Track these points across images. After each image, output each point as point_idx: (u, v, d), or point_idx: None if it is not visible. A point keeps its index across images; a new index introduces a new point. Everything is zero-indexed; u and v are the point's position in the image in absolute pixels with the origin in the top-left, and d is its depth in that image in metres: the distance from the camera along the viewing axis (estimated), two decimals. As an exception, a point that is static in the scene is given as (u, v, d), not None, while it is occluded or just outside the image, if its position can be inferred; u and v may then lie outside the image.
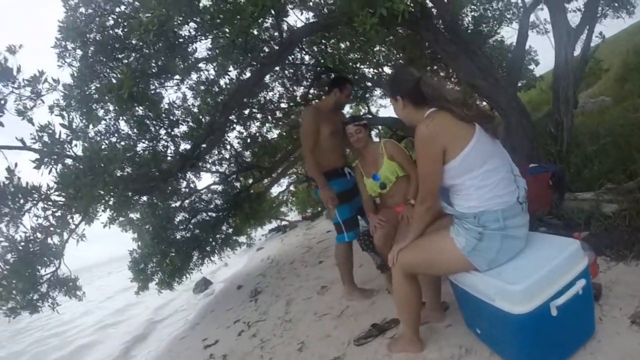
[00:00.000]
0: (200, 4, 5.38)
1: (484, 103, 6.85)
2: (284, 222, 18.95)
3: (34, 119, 5.03)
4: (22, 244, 5.26)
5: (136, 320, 11.13)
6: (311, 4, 6.95)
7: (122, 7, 5.74)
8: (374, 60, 9.10)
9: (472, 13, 8.43)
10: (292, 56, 8.11)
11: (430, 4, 5.38)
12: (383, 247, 3.62)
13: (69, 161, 5.08)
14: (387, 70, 9.20)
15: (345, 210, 4.26)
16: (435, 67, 8.83)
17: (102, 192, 5.29)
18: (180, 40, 5.56)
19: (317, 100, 8.23)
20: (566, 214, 4.05)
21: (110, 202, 5.76)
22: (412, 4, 4.29)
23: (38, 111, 5.13)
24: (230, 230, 9.30)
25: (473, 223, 2.23)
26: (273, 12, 5.47)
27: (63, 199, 5.16)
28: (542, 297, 2.04)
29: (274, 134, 9.73)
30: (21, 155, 4.99)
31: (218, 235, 8.88)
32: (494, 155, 2.26)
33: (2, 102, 4.69)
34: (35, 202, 5.20)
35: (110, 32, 5.66)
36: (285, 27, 6.62)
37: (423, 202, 2.42)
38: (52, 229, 5.45)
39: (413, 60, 8.00)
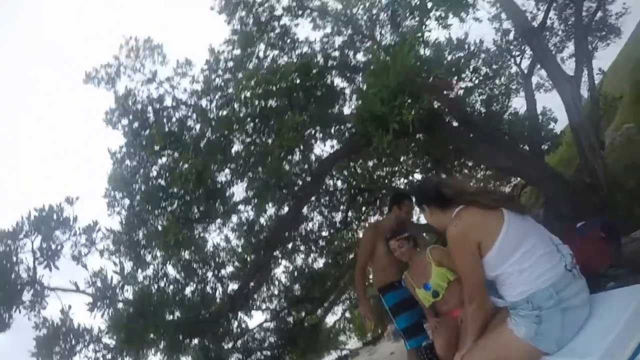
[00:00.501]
0: (233, 150, 5.87)
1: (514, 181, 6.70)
2: (344, 352, 17.63)
3: (87, 264, 5.37)
4: None
5: None
6: (333, 131, 7.32)
7: (164, 159, 6.28)
8: (403, 170, 9.27)
9: (480, 97, 8.35)
10: (325, 184, 8.39)
11: (437, 104, 5.62)
12: (446, 358, 3.37)
13: (120, 305, 5.21)
14: (418, 176, 9.33)
15: (405, 319, 4.18)
16: (462, 161, 8.82)
17: (153, 337, 5.33)
18: (218, 186, 5.97)
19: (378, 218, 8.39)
20: (629, 260, 3.74)
21: (161, 346, 5.74)
22: (419, 112, 4.51)
23: (91, 256, 5.52)
24: None
25: (527, 308, 2.10)
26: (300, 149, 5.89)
27: (114, 342, 5.22)
28: (622, 358, 1.82)
29: (320, 263, 9.62)
30: (75, 297, 5.24)
31: None
32: (529, 233, 2.20)
33: (59, 247, 5.07)
34: (86, 343, 5.30)
35: (154, 182, 6.18)
36: (313, 158, 7.00)
37: (471, 301, 2.33)
38: None
39: (439, 161, 8.12)
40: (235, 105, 5.71)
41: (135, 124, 6.59)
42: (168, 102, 7.14)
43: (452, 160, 8.43)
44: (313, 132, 6.46)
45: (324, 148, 7.37)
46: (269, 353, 8.37)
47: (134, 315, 5.08)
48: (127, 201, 6.22)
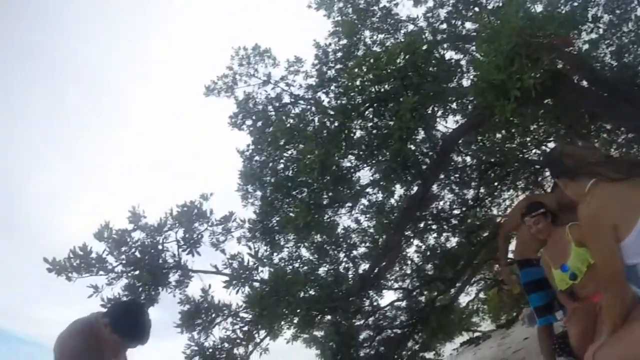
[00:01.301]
0: (354, 137, 6.00)
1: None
2: (476, 334, 17.02)
3: (225, 249, 6.00)
4: (210, 350, 5.88)
5: None
6: (454, 106, 7.11)
7: (289, 152, 6.73)
8: (535, 140, 8.59)
9: (608, 49, 7.32)
10: (453, 161, 8.14)
11: (560, 65, 5.09)
12: (580, 349, 3.07)
13: (255, 284, 5.71)
14: (552, 145, 8.54)
15: (538, 298, 4.16)
16: (598, 125, 7.85)
17: (286, 312, 5.75)
18: (344, 171, 6.16)
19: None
20: None
21: (294, 321, 6.15)
22: (540, 75, 4.16)
23: (228, 243, 6.22)
24: (417, 347, 8.68)
25: None
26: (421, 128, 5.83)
27: (250, 316, 5.76)
28: None
29: (453, 242, 9.42)
30: (214, 278, 5.88)
31: (404, 352, 8.42)
32: None
33: (199, 236, 5.72)
34: (225, 317, 5.93)
35: (282, 173, 6.67)
36: (437, 136, 6.83)
37: (607, 289, 2.09)
38: (238, 341, 6.03)
39: (572, 127, 7.34)
40: (351, 94, 5.82)
41: (259, 124, 7.21)
42: (286, 99, 7.70)
43: (587, 125, 7.58)
44: (432, 109, 6.33)
45: (446, 124, 7.18)
46: (399, 331, 8.42)
47: (269, 293, 5.52)
48: (259, 193, 6.83)
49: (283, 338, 6.73)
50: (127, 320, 2.51)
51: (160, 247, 5.56)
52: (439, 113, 6.95)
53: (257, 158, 6.96)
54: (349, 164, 6.43)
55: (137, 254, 5.40)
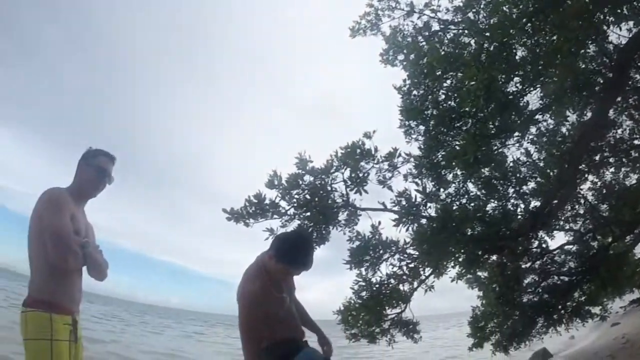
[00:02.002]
0: (517, 57, 5.44)
1: None
2: None
3: (392, 186, 5.93)
4: (377, 286, 6.06)
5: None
6: (627, 11, 5.86)
7: (448, 82, 6.29)
8: None
9: None
10: (631, 80, 7.01)
11: None
12: None
13: (423, 221, 5.66)
14: None
15: None
16: None
17: (452, 249, 5.63)
18: (509, 97, 5.67)
19: None
20: None
21: (460, 259, 6.02)
22: None
23: (395, 180, 6.12)
24: (583, 299, 8.01)
25: None
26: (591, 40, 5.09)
27: (417, 253, 5.76)
28: None
29: (633, 179, 8.28)
30: (382, 215, 5.90)
31: (569, 303, 7.86)
32: None
33: (366, 175, 5.71)
34: (392, 253, 5.97)
35: (444, 105, 6.25)
36: (610, 48, 5.93)
37: None
38: (404, 277, 6.12)
39: None
40: (504, 8, 5.25)
41: (411, 56, 6.78)
42: (435, 26, 7.14)
43: None
44: (602, 16, 5.45)
45: (620, 33, 6.10)
46: (566, 279, 7.83)
47: (437, 230, 5.41)
48: (422, 127, 6.53)
49: (447, 276, 6.65)
50: (288, 249, 2.61)
51: (328, 188, 5.68)
52: (611, 20, 6.00)
53: (415, 92, 6.60)
54: (514, 89, 5.89)
55: (307, 196, 5.59)
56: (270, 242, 2.85)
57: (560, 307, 7.73)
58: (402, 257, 6.02)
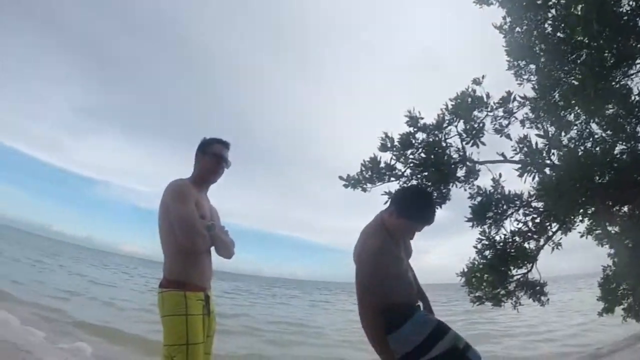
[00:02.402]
0: None
1: None
2: None
3: (510, 134, 5.68)
4: (501, 244, 5.77)
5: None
6: None
7: (552, 11, 5.64)
8: None
9: None
10: None
11: None
12: None
13: (547, 170, 5.35)
14: None
15: None
16: None
17: (581, 201, 5.25)
18: (624, 18, 5.14)
19: None
20: None
21: (589, 212, 5.61)
22: None
23: (512, 127, 5.87)
24: None
25: None
26: None
27: (542, 206, 5.44)
28: None
29: None
30: (503, 167, 5.69)
31: None
32: None
33: (481, 125, 5.51)
34: (516, 208, 5.68)
35: (553, 38, 5.67)
36: None
37: None
38: (529, 234, 5.79)
39: None
40: None
41: None
42: None
43: None
44: None
45: None
46: None
47: (563, 179, 5.06)
48: (532, 66, 6.05)
49: (576, 231, 6.24)
50: (409, 203, 2.57)
51: (443, 144, 5.54)
52: None
53: (518, 29, 6.04)
54: (627, 8, 5.14)
55: (422, 154, 5.49)
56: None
57: None
58: (526, 212, 5.73)
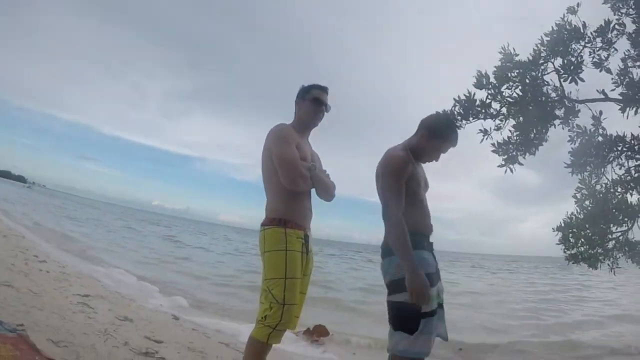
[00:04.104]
0: None
1: None
2: None
3: (610, 68, 5.28)
4: (602, 194, 5.34)
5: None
6: None
7: None
8: None
9: None
10: None
11: None
12: None
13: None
14: None
15: None
16: None
17: None
18: None
19: None
20: None
21: None
22: None
23: (612, 60, 5.39)
24: None
25: None
26: None
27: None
28: None
29: None
30: (603, 107, 5.27)
31: None
32: None
33: (579, 58, 5.20)
34: (619, 152, 5.26)
35: None
36: None
37: None
38: (632, 183, 5.31)
39: None
40: None
41: None
42: None
43: None
44: None
45: None
46: None
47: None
48: None
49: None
50: (440, 125, 2.82)
51: (539, 81, 5.23)
52: None
53: None
54: None
55: (517, 92, 5.18)
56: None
57: None
58: (630, 155, 5.28)
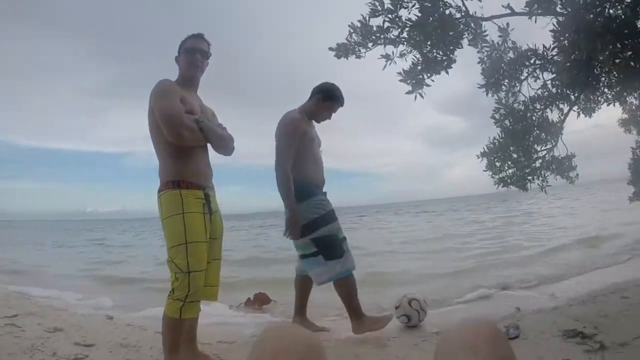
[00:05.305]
0: None
1: None
2: None
3: None
4: (521, 112, 5.14)
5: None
6: None
7: None
8: None
9: None
10: None
11: None
12: None
13: (561, 10, 4.60)
14: None
15: None
16: None
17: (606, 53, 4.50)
18: None
19: None
20: None
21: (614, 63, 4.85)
22: None
23: None
24: None
25: None
26: None
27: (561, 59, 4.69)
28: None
29: None
30: (512, 21, 4.97)
31: None
32: None
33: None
34: (533, 67, 4.99)
35: None
36: None
37: None
38: (551, 99, 5.13)
39: None
40: None
41: None
42: None
43: None
44: None
45: None
46: None
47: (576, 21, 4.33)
48: None
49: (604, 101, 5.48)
50: (331, 89, 3.47)
51: (440, 2, 4.81)
52: None
53: None
54: None
55: (416, 13, 4.83)
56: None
57: None
58: (544, 67, 5.01)
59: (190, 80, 2.78)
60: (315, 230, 3.23)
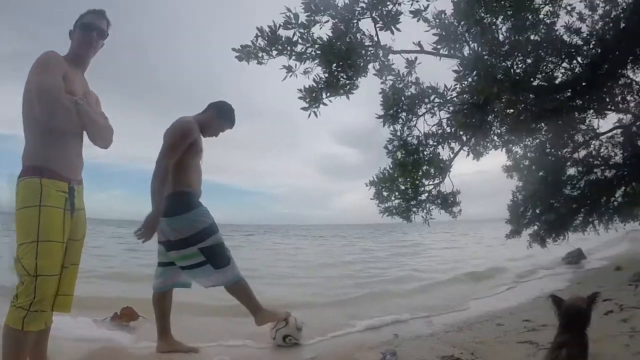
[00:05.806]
0: None
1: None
2: None
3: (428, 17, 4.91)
4: (414, 146, 5.37)
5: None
6: None
7: None
8: None
9: None
10: None
11: None
12: None
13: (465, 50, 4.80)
14: None
15: None
16: None
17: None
18: None
19: None
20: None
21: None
22: None
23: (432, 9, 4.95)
24: (626, 198, 7.07)
25: None
26: None
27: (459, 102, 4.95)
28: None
29: None
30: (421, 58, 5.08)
31: (612, 199, 7.10)
32: None
33: (398, 6, 4.83)
34: (431, 105, 5.23)
35: None
36: None
37: None
38: (445, 136, 5.41)
39: None
40: None
41: None
42: None
43: None
44: None
45: None
46: (610, 174, 7.06)
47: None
48: None
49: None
50: (227, 109, 3.54)
51: (354, 28, 4.84)
52: None
53: None
54: None
55: (328, 33, 4.77)
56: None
57: (601, 203, 7.05)
58: (441, 105, 5.24)
59: (81, 59, 2.48)
60: (203, 240, 3.24)
